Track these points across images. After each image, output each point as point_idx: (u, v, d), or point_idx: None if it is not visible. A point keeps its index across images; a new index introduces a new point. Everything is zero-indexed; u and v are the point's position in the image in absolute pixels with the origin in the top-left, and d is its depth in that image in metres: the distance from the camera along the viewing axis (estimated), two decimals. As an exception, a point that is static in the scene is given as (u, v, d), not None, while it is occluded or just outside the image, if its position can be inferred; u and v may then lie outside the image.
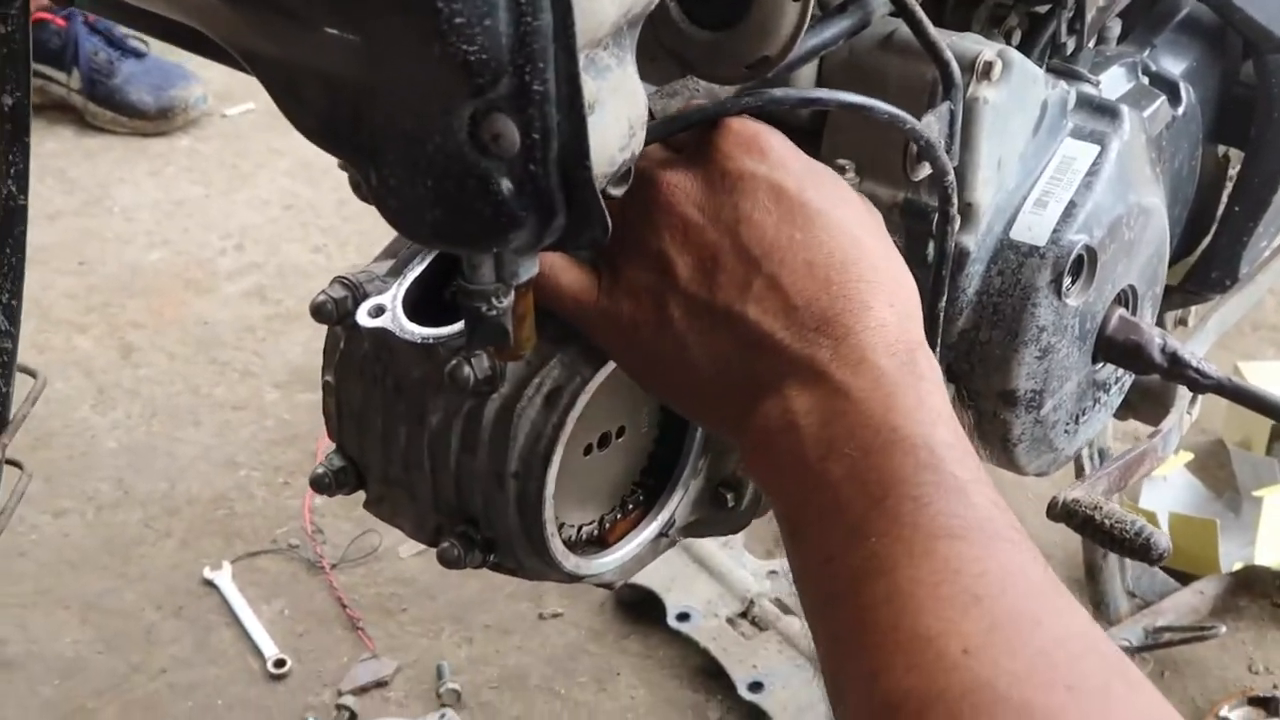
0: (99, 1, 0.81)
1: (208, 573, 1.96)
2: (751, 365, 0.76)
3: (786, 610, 1.80)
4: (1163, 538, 1.08)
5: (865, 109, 0.95)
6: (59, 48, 3.22)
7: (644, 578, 1.84)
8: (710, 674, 1.77)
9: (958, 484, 0.69)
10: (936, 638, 0.63)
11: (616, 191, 0.83)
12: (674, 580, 1.84)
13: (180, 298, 2.64)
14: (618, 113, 0.72)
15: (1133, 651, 1.71)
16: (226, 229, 2.86)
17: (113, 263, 2.75)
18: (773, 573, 1.87)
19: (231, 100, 3.20)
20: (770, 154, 0.80)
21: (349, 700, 1.76)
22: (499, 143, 0.64)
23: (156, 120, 3.21)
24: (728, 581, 1.84)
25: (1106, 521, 1.09)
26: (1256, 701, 1.73)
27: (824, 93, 0.93)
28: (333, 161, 0.73)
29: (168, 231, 2.86)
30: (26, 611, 1.92)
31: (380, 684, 1.80)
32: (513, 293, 0.72)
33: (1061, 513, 1.13)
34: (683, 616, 1.81)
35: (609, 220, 0.68)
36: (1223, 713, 1.71)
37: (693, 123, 0.84)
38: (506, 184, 0.65)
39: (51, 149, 3.12)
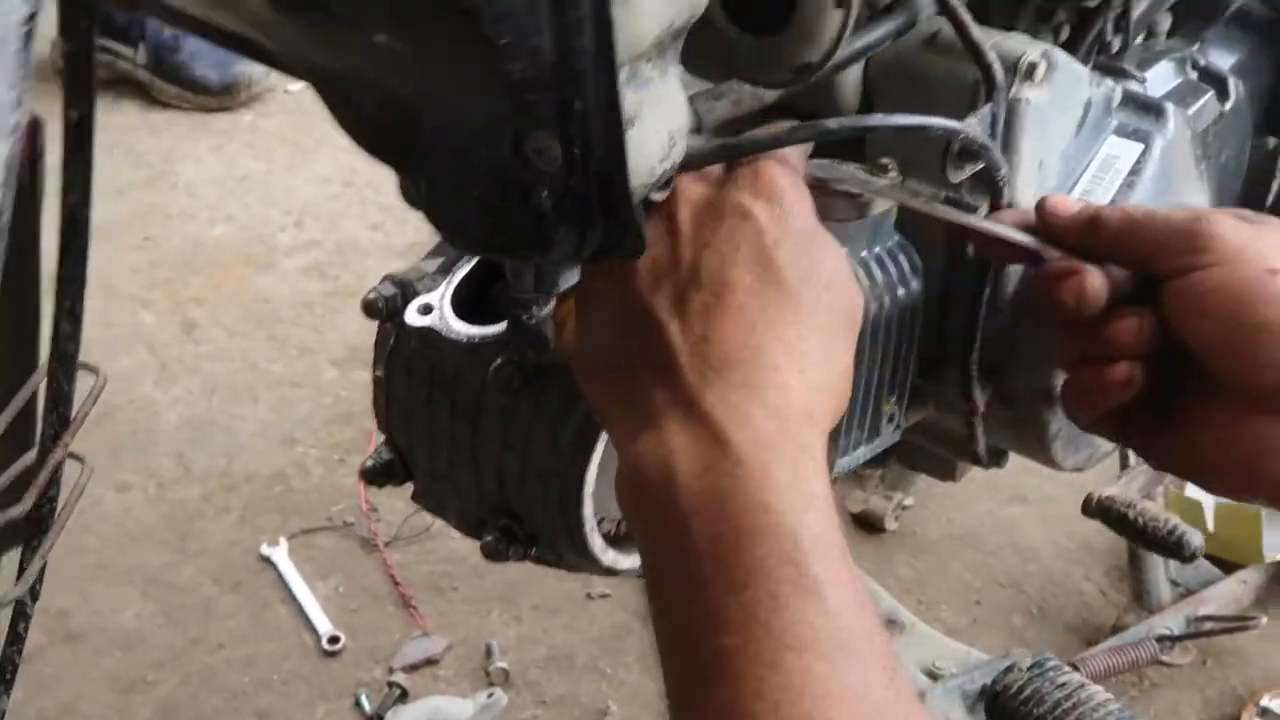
0: (160, 8, 0.83)
1: (265, 549, 2.01)
2: (651, 385, 0.76)
3: (832, 594, 1.81)
4: (1195, 536, 1.09)
5: (920, 129, 0.97)
6: (125, 23, 3.26)
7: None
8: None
9: (816, 585, 0.68)
10: None
11: (658, 196, 0.86)
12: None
13: (241, 273, 2.69)
14: (658, 124, 0.74)
15: (1174, 640, 1.71)
16: (287, 205, 2.90)
17: (176, 238, 2.79)
18: (819, 557, 1.89)
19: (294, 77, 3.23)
20: (777, 203, 0.80)
21: (400, 677, 1.80)
22: (541, 158, 0.67)
23: (220, 96, 3.26)
24: (774, 565, 1.85)
25: (1140, 520, 1.11)
26: (1300, 692, 1.74)
27: (877, 119, 0.95)
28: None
29: (230, 207, 2.91)
30: (90, 584, 1.97)
31: (430, 662, 1.84)
32: (553, 301, 0.74)
33: (1096, 510, 1.14)
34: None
35: (645, 234, 0.70)
36: (1264, 702, 1.71)
37: (744, 153, 0.86)
38: (548, 197, 0.68)
39: (118, 124, 3.17)
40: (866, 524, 2.05)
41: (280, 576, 1.97)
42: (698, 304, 0.76)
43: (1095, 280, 0.83)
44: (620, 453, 0.78)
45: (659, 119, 0.74)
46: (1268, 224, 0.81)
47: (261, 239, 2.79)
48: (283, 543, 2.01)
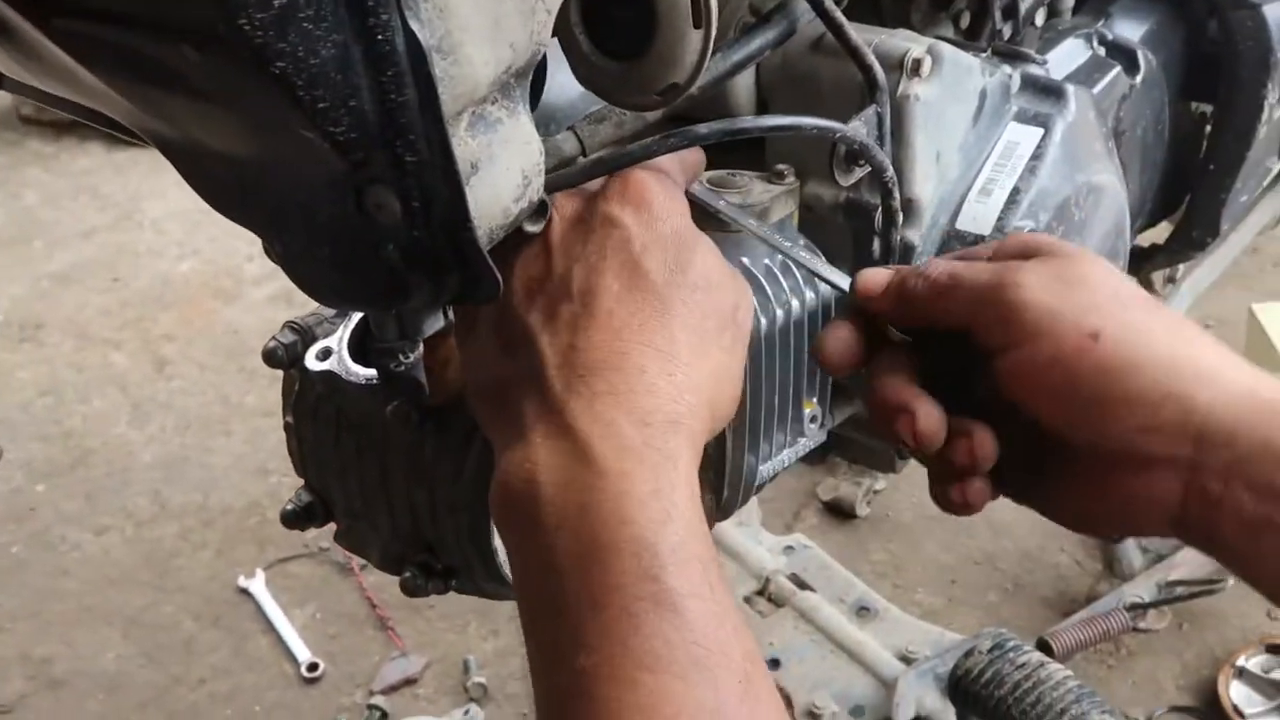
0: (20, 86, 0.84)
1: (242, 581, 2.02)
2: (521, 397, 0.76)
3: (803, 585, 1.82)
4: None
5: (790, 129, 0.97)
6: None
7: (663, 562, 1.86)
8: (729, 654, 1.79)
9: (673, 600, 0.68)
10: None
11: (532, 228, 0.86)
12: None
13: (209, 307, 2.70)
14: (510, 164, 0.74)
15: (1145, 607, 1.72)
16: (251, 235, 2.89)
17: (145, 276, 2.81)
18: (788, 548, 1.90)
19: (252, 105, 3.24)
20: (645, 209, 0.80)
21: (380, 700, 1.81)
22: (382, 212, 0.67)
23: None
24: (744, 560, 1.86)
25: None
26: (1274, 649, 1.74)
27: (746, 121, 0.94)
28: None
29: (196, 241, 2.92)
30: (71, 630, 1.98)
31: (409, 681, 1.85)
32: (420, 347, 0.75)
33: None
34: (700, 598, 1.83)
35: (499, 277, 0.70)
36: (1239, 662, 1.71)
37: (617, 167, 0.86)
38: (394, 250, 0.68)
39: (84, 166, 3.19)
40: (838, 511, 2.05)
41: (259, 607, 1.98)
42: (567, 314, 0.76)
43: (928, 421, 0.78)
44: (495, 467, 0.77)
45: (510, 158, 0.74)
46: (1073, 265, 0.77)
47: (228, 271, 2.81)
48: (259, 574, 2.02)
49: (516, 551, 0.74)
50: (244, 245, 2.87)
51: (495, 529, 0.92)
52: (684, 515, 0.71)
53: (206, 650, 1.93)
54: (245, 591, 2.01)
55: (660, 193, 0.82)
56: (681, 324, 0.77)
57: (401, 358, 0.74)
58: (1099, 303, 0.74)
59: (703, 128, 0.93)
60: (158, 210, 3.03)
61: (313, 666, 1.87)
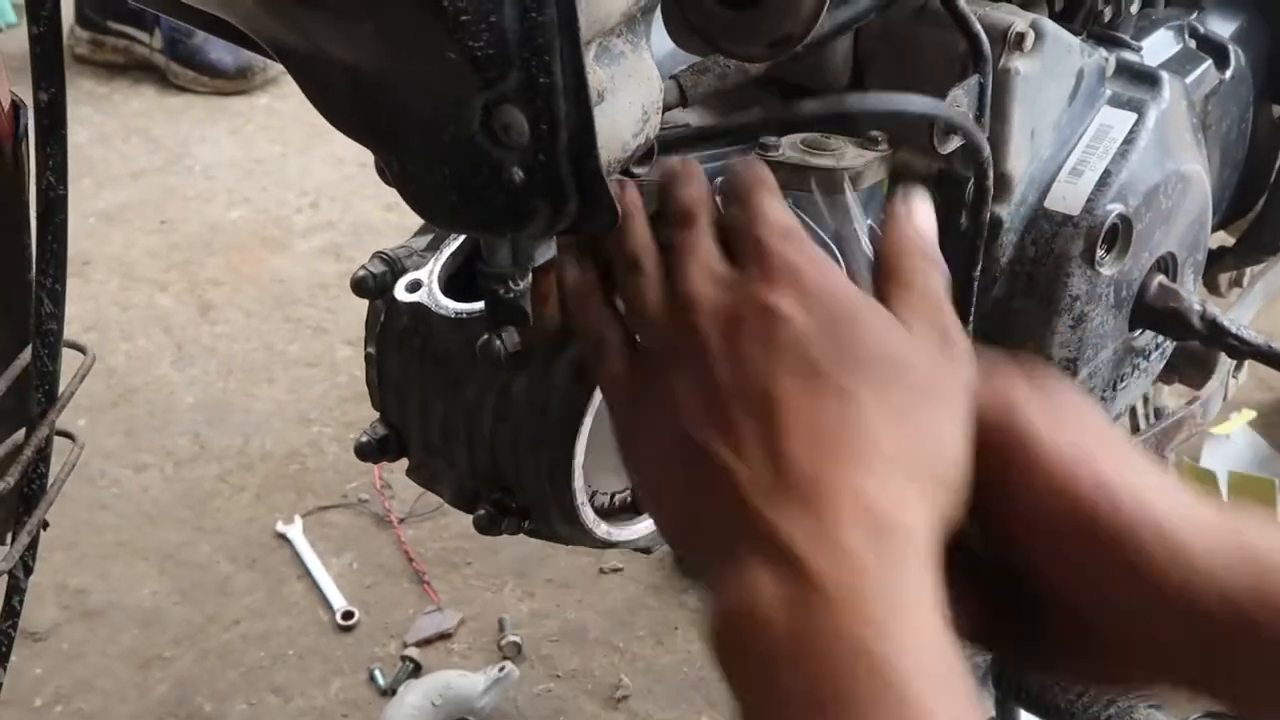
0: (141, -5, 0.84)
1: (280, 526, 2.02)
2: (721, 525, 0.69)
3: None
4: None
5: (897, 114, 0.97)
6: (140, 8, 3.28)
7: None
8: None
9: None
10: None
11: (640, 171, 0.86)
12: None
13: (257, 255, 2.70)
14: (631, 99, 0.75)
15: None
16: (302, 187, 2.91)
17: (193, 221, 2.81)
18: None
19: (308, 59, 3.25)
20: (798, 286, 0.72)
21: (413, 652, 1.81)
22: (509, 133, 0.67)
23: (236, 80, 3.27)
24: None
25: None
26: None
27: (853, 101, 0.94)
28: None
29: (246, 190, 2.92)
30: (108, 562, 1.99)
31: (444, 636, 1.85)
32: (530, 275, 0.75)
33: (1093, 480, 1.14)
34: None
35: (618, 207, 0.70)
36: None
37: (718, 136, 0.87)
38: (518, 172, 0.68)
39: (136, 108, 3.19)
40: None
41: (296, 553, 1.98)
42: (750, 428, 0.69)
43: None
44: (706, 591, 0.70)
45: (631, 93, 0.74)
46: (1057, 393, 0.72)
47: (277, 221, 2.81)
48: (298, 520, 2.03)
49: (739, 685, 0.66)
50: (293, 197, 2.87)
51: (576, 471, 0.92)
52: (926, 632, 0.64)
53: (242, 592, 1.93)
54: (283, 537, 2.01)
55: (807, 263, 0.74)
56: (880, 412, 0.70)
57: (511, 285, 0.74)
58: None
59: (808, 106, 0.93)
60: (209, 156, 3.03)
61: (348, 615, 1.87)
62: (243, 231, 2.77)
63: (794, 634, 0.63)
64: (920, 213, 0.78)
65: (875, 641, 0.62)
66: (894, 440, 0.69)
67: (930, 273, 0.77)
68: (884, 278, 0.77)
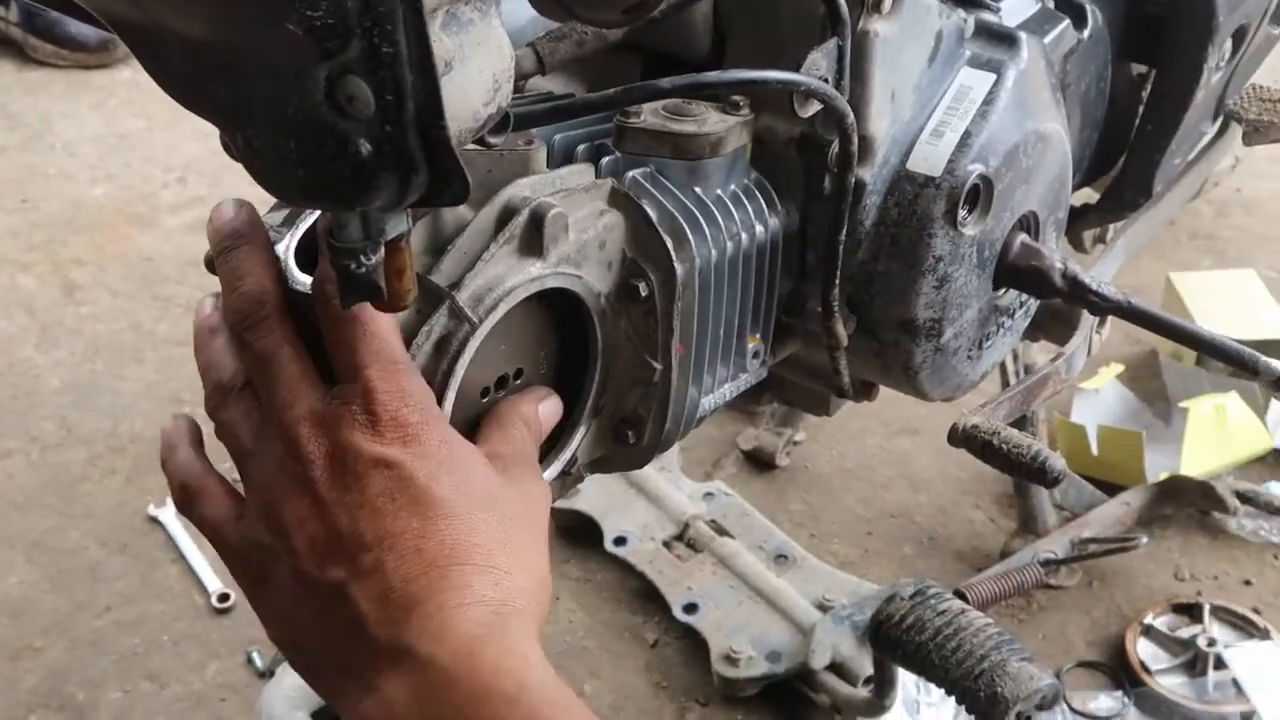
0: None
1: (152, 510, 1.98)
2: (350, 649, 0.77)
3: (721, 532, 1.83)
4: (1058, 461, 1.11)
5: (757, 83, 0.97)
6: (-6, -18, 3.19)
7: (581, 503, 1.86)
8: (647, 596, 1.79)
9: None
10: None
11: (496, 140, 0.85)
12: (611, 505, 1.87)
13: (124, 233, 2.64)
14: (481, 67, 0.73)
15: (1058, 563, 1.74)
16: (169, 162, 2.85)
17: (56, 199, 2.74)
18: (708, 495, 1.90)
19: (171, 31, 3.18)
20: (413, 440, 0.80)
21: (292, 632, 1.78)
22: (354, 104, 0.65)
23: (98, 53, 3.19)
24: (664, 505, 1.86)
25: (1004, 446, 1.12)
26: (1180, 609, 1.77)
27: (710, 76, 0.94)
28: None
29: (110, 166, 2.85)
30: (-28, 553, 1.93)
31: (323, 615, 1.82)
32: (382, 249, 0.73)
33: (962, 438, 1.15)
34: (620, 541, 1.83)
35: (469, 178, 0.69)
36: (1147, 620, 1.74)
37: (576, 113, 0.91)
38: (365, 144, 0.66)
39: (-8, 85, 3.11)
40: (758, 461, 2.06)
41: (169, 537, 1.94)
42: (370, 562, 0.77)
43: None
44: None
45: (481, 61, 0.73)
46: None
47: (144, 197, 2.75)
48: (170, 503, 1.98)
49: None
50: (160, 173, 2.81)
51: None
52: (550, 674, 0.76)
53: (113, 577, 1.89)
54: (155, 520, 1.97)
55: (415, 412, 0.81)
56: (483, 534, 0.79)
57: (363, 259, 0.72)
58: None
59: (665, 82, 0.92)
60: (71, 132, 2.95)
61: (223, 597, 1.84)
62: (107, 209, 2.71)
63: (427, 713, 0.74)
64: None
65: (513, 688, 0.73)
66: (500, 552, 0.79)
67: (520, 427, 0.91)
68: (484, 424, 0.91)
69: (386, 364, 0.81)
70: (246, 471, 0.83)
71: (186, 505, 0.86)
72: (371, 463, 0.78)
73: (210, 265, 0.89)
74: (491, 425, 0.91)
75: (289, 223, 0.94)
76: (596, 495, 1.87)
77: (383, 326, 0.81)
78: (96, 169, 2.84)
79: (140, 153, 2.88)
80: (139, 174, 2.81)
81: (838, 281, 1.10)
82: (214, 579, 1.87)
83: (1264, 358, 1.23)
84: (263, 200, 0.83)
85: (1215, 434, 1.98)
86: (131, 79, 3.13)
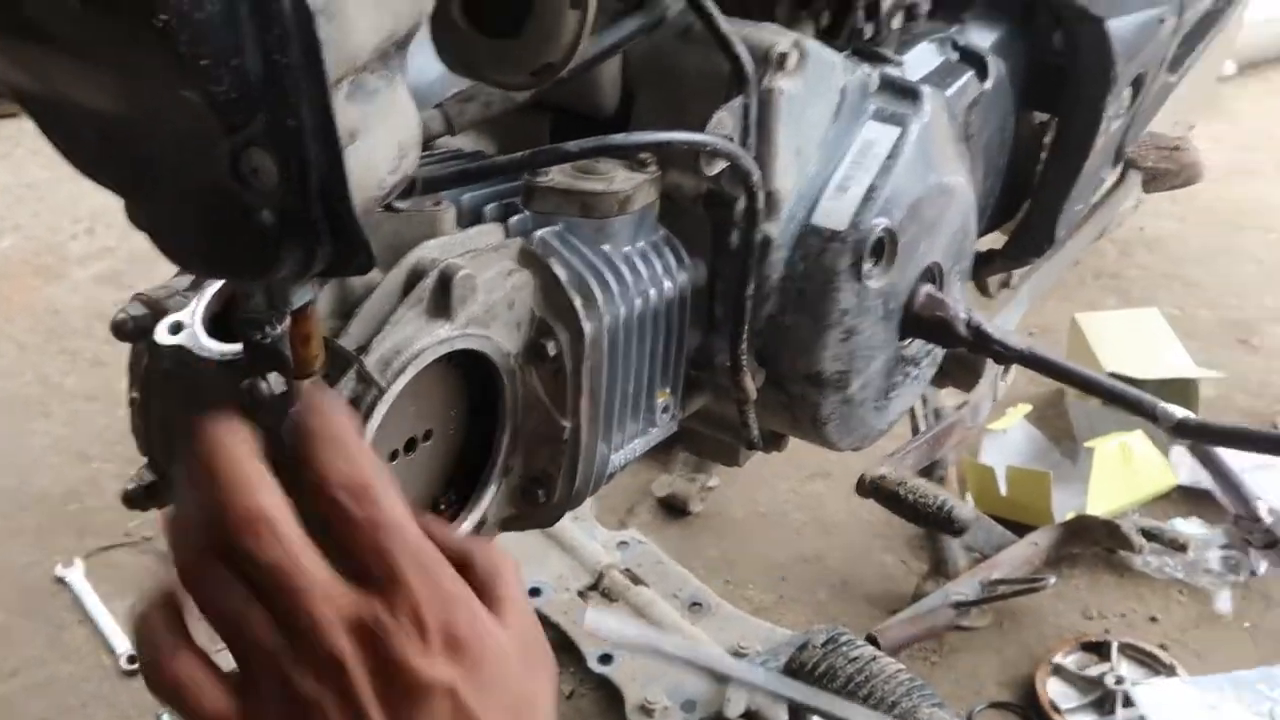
0: None
1: (60, 570, 1.95)
2: None
3: (636, 580, 1.83)
4: (964, 510, 1.12)
5: (664, 145, 0.98)
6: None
7: (497, 554, 1.85)
8: (561, 648, 1.79)
9: None
10: None
11: (403, 205, 0.85)
12: (525, 556, 1.86)
13: (30, 285, 2.61)
14: (387, 136, 0.73)
15: (969, 605, 1.75)
16: (77, 213, 2.82)
17: (-41, 251, 2.71)
18: (623, 543, 1.90)
19: (76, 80, 3.15)
20: (470, 661, 0.71)
21: (203, 691, 1.76)
22: (258, 176, 0.65)
23: (4, 101, 3.14)
24: (579, 554, 1.86)
25: (910, 496, 1.13)
26: (1089, 647, 1.79)
27: (618, 138, 0.95)
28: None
29: (17, 216, 2.82)
30: (-126, 617, 1.89)
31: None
32: (288, 318, 0.73)
33: (869, 489, 1.16)
34: (534, 592, 1.83)
35: (373, 246, 0.69)
36: (1056, 659, 1.76)
37: (484, 175, 0.90)
38: (269, 216, 0.66)
39: (-106, 134, 3.07)
40: (672, 507, 2.06)
41: (76, 597, 1.91)
42: None
43: None
44: None
45: (387, 131, 0.73)
46: None
47: (52, 248, 2.72)
48: (78, 563, 1.95)
49: None
50: (68, 224, 2.78)
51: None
52: None
53: (20, 641, 1.86)
54: (62, 581, 1.94)
55: (475, 635, 0.71)
56: None
57: (268, 329, 0.72)
58: None
59: (573, 145, 0.93)
60: (-26, 183, 2.93)
61: (133, 659, 1.81)
62: (13, 260, 2.68)
63: None
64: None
65: None
66: None
67: (525, 597, 0.78)
68: (486, 597, 0.75)
69: (423, 560, 0.70)
70: (257, 665, 0.71)
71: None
72: (425, 686, 0.69)
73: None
74: (505, 605, 0.77)
75: (195, 288, 0.93)
76: (511, 546, 1.87)
77: (401, 512, 0.70)
78: (3, 220, 2.80)
79: (48, 203, 2.85)
80: (46, 224, 2.78)
81: (745, 335, 1.11)
82: (122, 640, 1.84)
83: (1162, 403, 1.25)
84: (169, 269, 0.83)
85: (1120, 472, 2.01)
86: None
